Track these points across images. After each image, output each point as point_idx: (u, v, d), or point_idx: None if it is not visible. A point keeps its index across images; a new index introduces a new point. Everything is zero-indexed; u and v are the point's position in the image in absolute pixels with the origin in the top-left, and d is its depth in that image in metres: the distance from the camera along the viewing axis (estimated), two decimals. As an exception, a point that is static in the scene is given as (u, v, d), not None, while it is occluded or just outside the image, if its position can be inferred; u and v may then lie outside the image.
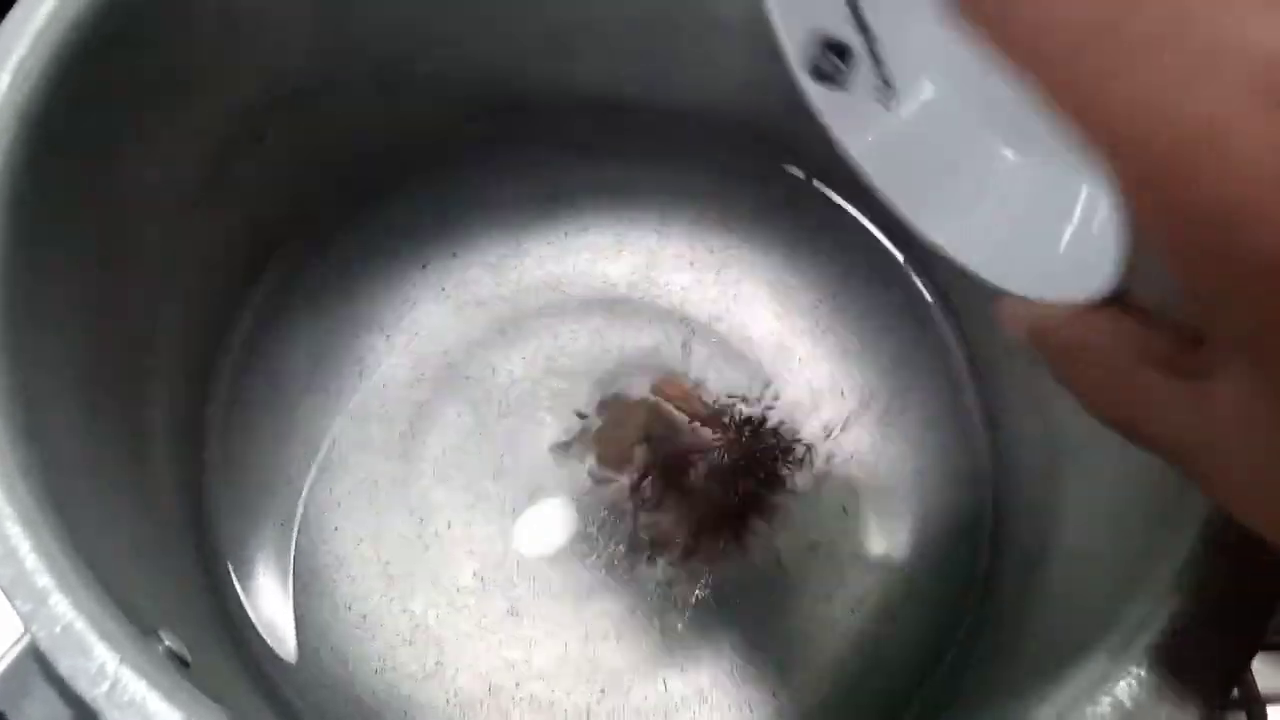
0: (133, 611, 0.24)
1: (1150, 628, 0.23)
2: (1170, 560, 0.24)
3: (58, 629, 0.22)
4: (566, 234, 0.45)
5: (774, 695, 0.38)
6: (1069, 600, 0.31)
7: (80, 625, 0.22)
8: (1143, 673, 0.22)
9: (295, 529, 0.39)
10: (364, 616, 0.38)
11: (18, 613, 0.22)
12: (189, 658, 0.26)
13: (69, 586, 0.23)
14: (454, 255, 0.44)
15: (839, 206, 0.46)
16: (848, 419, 0.42)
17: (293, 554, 0.39)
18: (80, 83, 0.29)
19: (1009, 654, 0.34)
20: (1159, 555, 0.24)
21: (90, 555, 0.24)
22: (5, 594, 0.22)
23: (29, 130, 0.28)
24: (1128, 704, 0.22)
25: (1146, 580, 0.24)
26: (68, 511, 0.25)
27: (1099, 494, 0.33)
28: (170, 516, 0.36)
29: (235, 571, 0.39)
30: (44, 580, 0.23)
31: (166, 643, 0.26)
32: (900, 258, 0.45)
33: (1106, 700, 0.22)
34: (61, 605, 0.22)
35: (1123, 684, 0.22)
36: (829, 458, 0.41)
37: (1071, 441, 0.35)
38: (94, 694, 0.22)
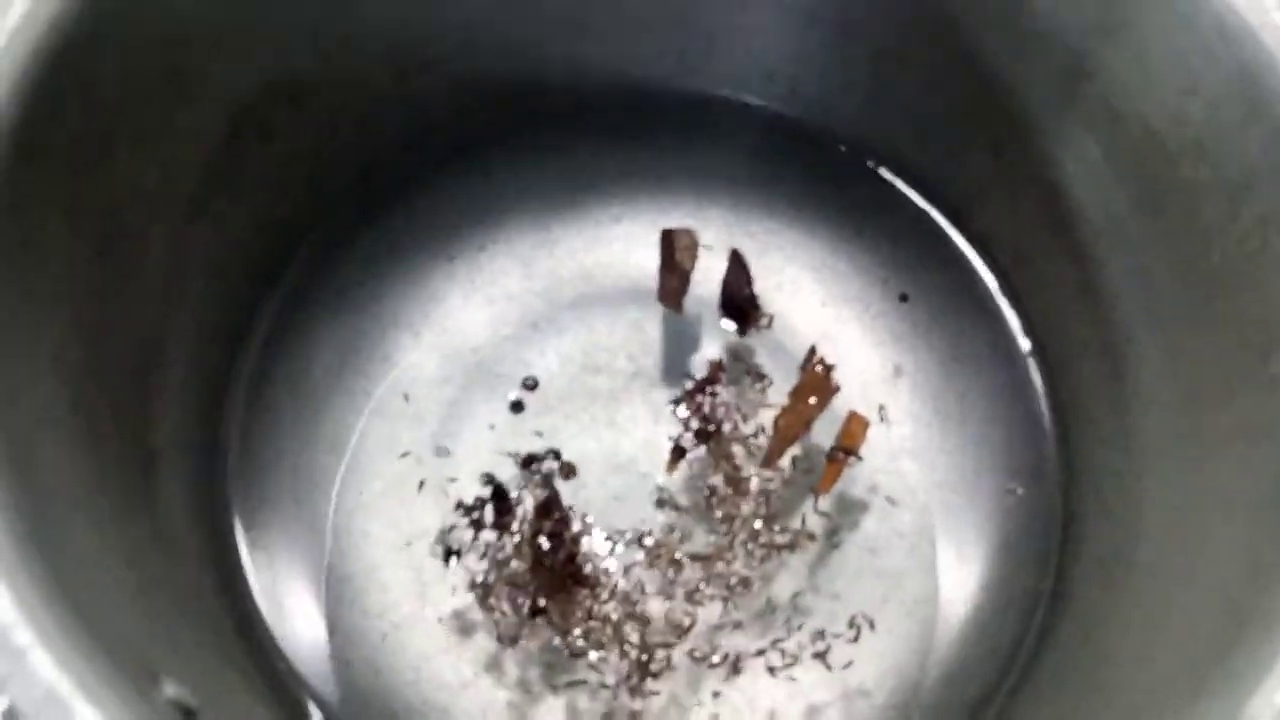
0: (130, 660, 0.23)
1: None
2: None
3: (39, 693, 0.21)
4: (598, 223, 0.44)
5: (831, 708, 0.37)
6: (1156, 621, 0.29)
7: (65, 687, 0.21)
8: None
9: (325, 535, 0.39)
10: (396, 625, 0.38)
11: (-5, 674, 0.21)
12: (195, 705, 0.25)
13: (51, 641, 0.21)
14: (482, 249, 0.43)
15: (889, 184, 0.44)
16: (900, 413, 0.41)
17: (324, 562, 0.38)
18: (63, 86, 0.28)
19: (1083, 677, 0.32)
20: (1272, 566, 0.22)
21: (80, 601, 0.23)
22: (-19, 654, 0.21)
23: (6, 139, 0.26)
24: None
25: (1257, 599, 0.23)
26: (56, 553, 0.23)
27: (1187, 500, 0.31)
28: (182, 541, 0.35)
29: (258, 585, 0.38)
30: (23, 636, 0.21)
31: (169, 692, 0.24)
32: (957, 237, 0.43)
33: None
34: (43, 664, 0.21)
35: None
36: (883, 457, 0.40)
37: (1153, 440, 0.33)
38: (80, 763, 0.20)
